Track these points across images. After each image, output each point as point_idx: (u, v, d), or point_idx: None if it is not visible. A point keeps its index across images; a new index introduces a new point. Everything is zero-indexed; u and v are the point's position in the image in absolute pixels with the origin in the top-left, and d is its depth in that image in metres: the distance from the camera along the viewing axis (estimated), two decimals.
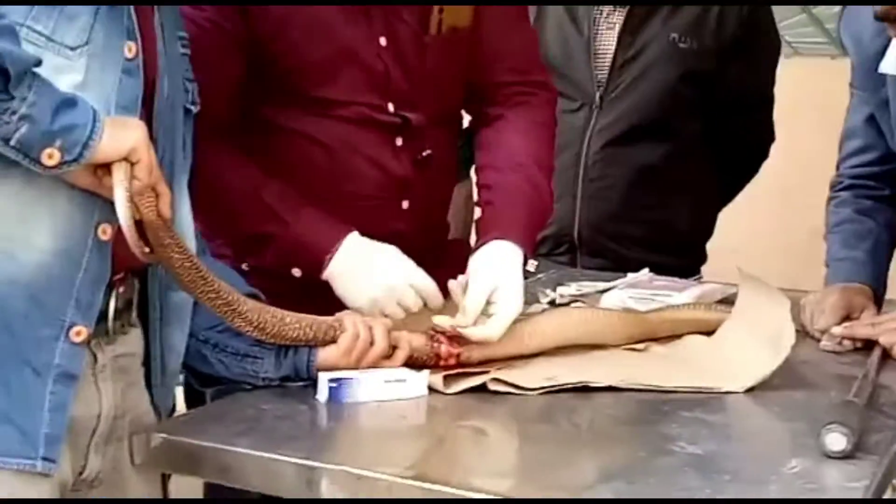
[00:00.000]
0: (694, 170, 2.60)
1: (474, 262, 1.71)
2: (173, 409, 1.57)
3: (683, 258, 2.60)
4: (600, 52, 2.56)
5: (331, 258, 1.70)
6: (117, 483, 1.42)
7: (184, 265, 1.41)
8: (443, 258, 1.86)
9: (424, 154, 1.85)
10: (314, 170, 1.79)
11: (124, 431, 1.42)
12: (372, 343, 1.58)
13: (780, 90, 2.67)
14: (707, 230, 2.70)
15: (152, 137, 1.37)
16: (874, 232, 2.12)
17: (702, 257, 2.70)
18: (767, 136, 2.69)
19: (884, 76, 1.95)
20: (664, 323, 1.83)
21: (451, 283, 1.70)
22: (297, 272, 1.75)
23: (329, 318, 1.59)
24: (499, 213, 1.79)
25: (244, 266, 1.79)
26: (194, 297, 1.47)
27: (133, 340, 1.45)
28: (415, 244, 1.82)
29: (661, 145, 2.54)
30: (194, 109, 1.52)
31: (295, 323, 1.55)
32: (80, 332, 1.33)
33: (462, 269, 1.72)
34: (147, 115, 1.39)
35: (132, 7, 1.36)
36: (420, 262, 1.78)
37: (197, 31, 1.61)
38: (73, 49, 1.29)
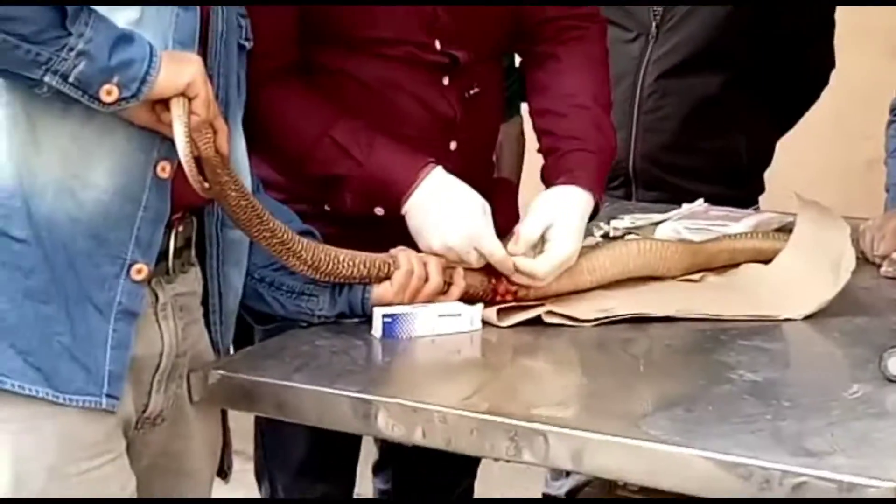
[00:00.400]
0: (751, 100, 2.55)
1: (537, 199, 1.69)
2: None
3: (741, 189, 2.56)
4: None
5: (411, 192, 1.66)
6: (179, 420, 1.44)
7: (240, 203, 1.41)
8: (490, 197, 1.84)
9: (472, 92, 1.81)
10: (362, 111, 1.76)
11: (185, 369, 1.43)
12: (427, 279, 1.58)
13: (838, 13, 2.61)
14: (765, 160, 2.66)
15: (207, 73, 1.36)
16: None
17: (759, 187, 2.66)
18: (828, 62, 2.62)
19: None
20: (721, 252, 1.81)
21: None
22: (379, 211, 1.69)
23: (383, 255, 1.58)
24: (565, 159, 1.75)
25: (326, 208, 1.75)
26: (249, 235, 1.47)
27: (192, 279, 1.45)
28: None
29: (718, 75, 2.49)
30: (248, 45, 1.51)
31: (349, 260, 1.54)
32: (141, 270, 1.33)
33: (509, 208, 1.69)
34: (202, 51, 1.38)
35: None
36: None
37: None
38: None
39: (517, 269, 1.61)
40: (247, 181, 1.49)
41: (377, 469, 2.37)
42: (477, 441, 1.26)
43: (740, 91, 2.52)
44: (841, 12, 2.62)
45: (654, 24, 2.50)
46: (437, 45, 1.77)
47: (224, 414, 1.53)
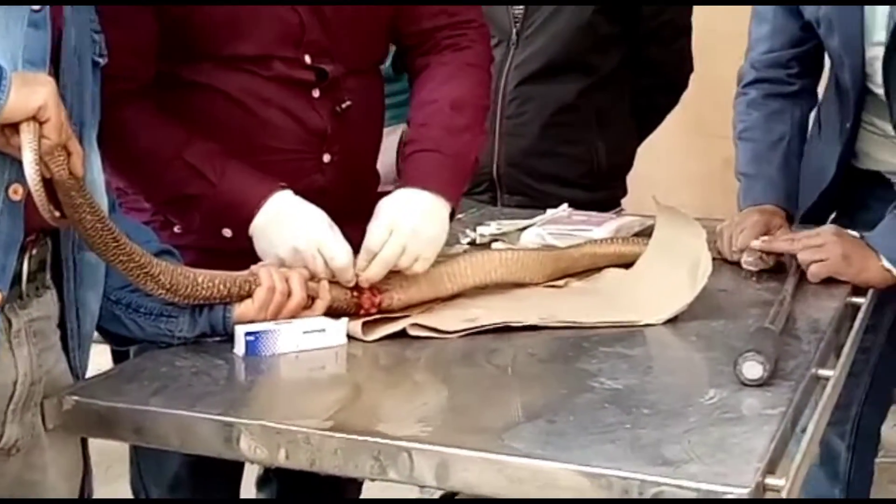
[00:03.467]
0: (611, 104, 2.61)
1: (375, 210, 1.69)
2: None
3: (603, 192, 2.61)
4: None
5: (257, 213, 1.65)
6: (34, 449, 1.39)
7: (95, 227, 1.37)
8: (372, 210, 1.83)
9: (344, 106, 1.80)
10: (230, 125, 1.74)
11: (40, 397, 1.38)
12: (289, 294, 1.56)
13: (694, 18, 2.67)
14: (626, 164, 2.71)
15: (60, 92, 1.32)
16: (786, 138, 2.13)
17: (622, 191, 2.71)
18: (686, 66, 2.70)
19: None
20: (584, 257, 1.83)
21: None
22: (227, 232, 1.69)
23: (244, 273, 1.56)
24: (406, 163, 1.76)
25: (176, 230, 1.75)
26: (105, 259, 1.43)
27: (47, 302, 1.41)
28: (339, 197, 1.79)
29: (578, 81, 2.54)
30: (102, 62, 1.47)
31: (207, 281, 1.51)
32: None
33: None
34: (54, 69, 1.34)
35: None
36: (345, 215, 1.75)
37: None
38: None
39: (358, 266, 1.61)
40: (102, 200, 1.44)
41: (261, 483, 2.35)
42: (341, 461, 1.25)
43: (600, 96, 2.56)
44: (697, 17, 2.68)
45: (514, 31, 2.52)
46: (307, 59, 1.75)
47: (84, 441, 1.48)
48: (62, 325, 1.45)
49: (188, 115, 1.73)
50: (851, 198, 2.17)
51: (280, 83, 1.74)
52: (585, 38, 2.51)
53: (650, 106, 2.70)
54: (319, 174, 1.80)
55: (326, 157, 1.80)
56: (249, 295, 1.54)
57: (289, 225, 1.64)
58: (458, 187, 1.80)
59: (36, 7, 1.29)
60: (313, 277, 1.61)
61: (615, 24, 2.53)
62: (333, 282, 1.62)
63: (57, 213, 1.29)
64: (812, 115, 2.23)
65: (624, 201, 2.68)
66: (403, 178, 1.73)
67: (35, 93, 1.25)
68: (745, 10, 2.29)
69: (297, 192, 1.68)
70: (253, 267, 1.58)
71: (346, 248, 1.63)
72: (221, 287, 1.52)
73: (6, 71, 1.23)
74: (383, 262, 1.62)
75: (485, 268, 1.72)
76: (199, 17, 1.68)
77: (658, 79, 2.66)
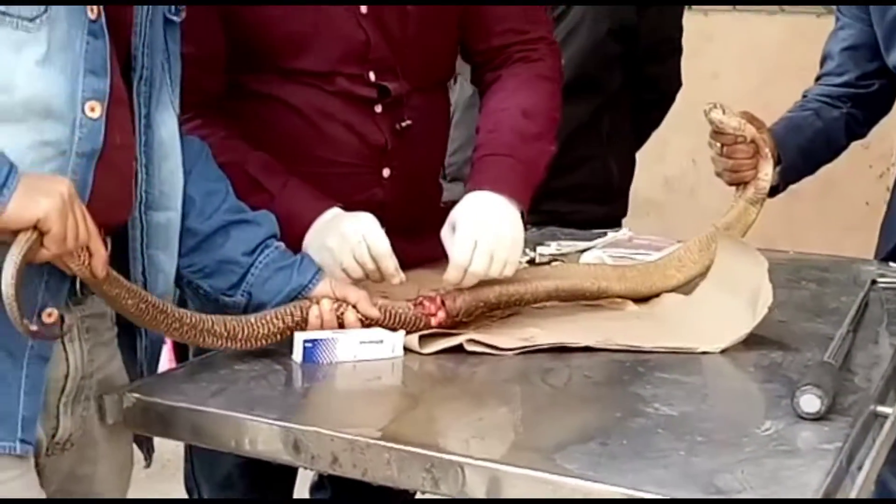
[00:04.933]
0: (618, 121, 2.69)
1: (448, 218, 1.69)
2: None
3: (612, 207, 2.72)
4: None
5: (310, 228, 1.68)
6: (86, 444, 1.41)
7: (139, 307, 1.39)
8: (433, 227, 1.84)
9: (404, 124, 1.81)
10: (292, 136, 1.77)
11: (92, 391, 1.40)
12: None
13: (763, 48, 2.67)
14: (630, 178, 2.80)
15: (132, 54, 1.33)
16: (813, 126, 2.19)
17: (626, 206, 2.79)
18: (676, 83, 2.79)
19: None
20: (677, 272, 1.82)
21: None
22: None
23: (295, 303, 1.56)
24: (475, 168, 1.76)
25: None
26: (158, 332, 1.46)
27: (101, 301, 1.42)
28: (398, 211, 1.80)
29: (591, 100, 2.62)
30: (176, 19, 1.48)
31: (261, 320, 1.53)
32: (52, 315, 1.31)
33: None
34: (125, 32, 1.36)
35: None
36: (404, 229, 1.76)
37: None
38: (31, 20, 1.25)
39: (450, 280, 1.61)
40: (176, 161, 1.47)
41: (315, 489, 2.37)
42: (393, 472, 1.26)
43: (609, 114, 2.65)
44: (764, 45, 2.69)
45: None
46: (372, 76, 1.77)
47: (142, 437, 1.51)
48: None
49: (252, 124, 1.76)
50: None
51: (342, 98, 1.76)
52: (596, 58, 2.59)
53: (644, 122, 2.81)
54: (379, 188, 1.82)
55: (386, 172, 1.82)
56: (304, 322, 1.55)
57: (337, 222, 1.67)
58: (529, 192, 1.78)
59: (92, 17, 1.30)
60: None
61: (620, 43, 2.61)
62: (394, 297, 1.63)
63: (33, 328, 1.25)
64: None
65: (689, 229, 2.67)
66: (473, 181, 1.73)
67: (36, 204, 1.20)
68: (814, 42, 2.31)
69: (356, 206, 1.70)
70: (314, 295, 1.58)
71: (387, 240, 1.64)
72: (276, 321, 1.53)
73: (15, 174, 1.20)
74: (475, 275, 1.62)
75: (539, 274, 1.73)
76: (266, 30, 1.71)
77: (654, 95, 2.76)
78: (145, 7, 1.40)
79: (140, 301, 1.39)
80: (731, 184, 1.98)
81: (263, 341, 1.53)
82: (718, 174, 1.99)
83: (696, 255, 1.82)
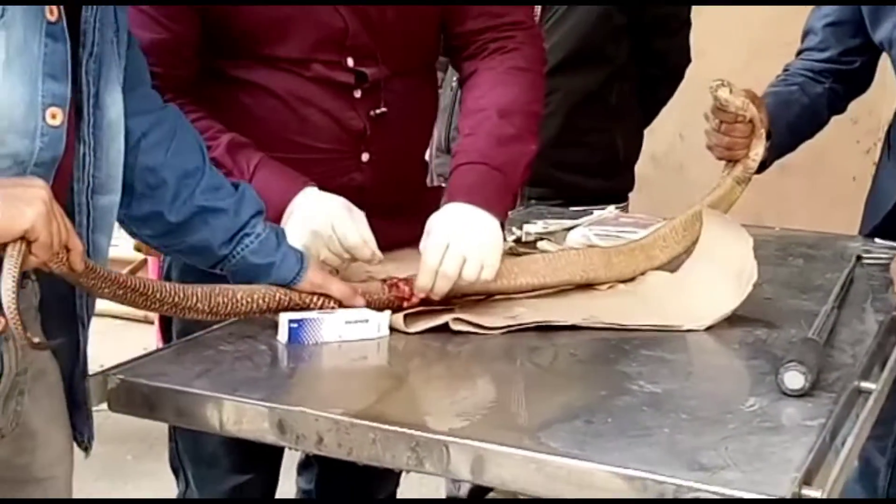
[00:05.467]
0: (626, 94, 2.67)
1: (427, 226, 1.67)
2: None
3: (618, 181, 2.71)
4: None
5: (285, 212, 1.67)
6: (22, 436, 1.36)
7: (117, 293, 1.38)
8: (418, 208, 1.83)
9: (379, 111, 1.79)
10: (271, 121, 1.76)
11: (27, 386, 1.36)
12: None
13: (749, 24, 2.66)
14: (637, 153, 2.79)
15: (81, 29, 1.29)
16: (800, 102, 2.18)
17: (632, 181, 2.78)
18: (686, 58, 2.76)
19: None
20: (661, 252, 1.81)
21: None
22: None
23: (282, 288, 1.56)
24: (451, 177, 1.73)
25: None
26: (143, 309, 1.45)
27: (29, 293, 1.37)
28: (378, 194, 1.80)
29: (598, 71, 2.60)
30: None
31: (247, 297, 1.52)
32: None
33: None
34: (75, 12, 1.31)
35: None
36: (387, 211, 1.76)
37: None
38: None
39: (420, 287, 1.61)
40: (121, 141, 1.43)
41: (302, 468, 2.37)
42: (378, 451, 1.26)
43: (617, 86, 2.64)
44: (747, 27, 2.68)
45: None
46: (350, 62, 1.75)
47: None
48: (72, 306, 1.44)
49: (231, 109, 1.75)
50: None
51: (320, 84, 1.75)
52: (602, 28, 2.57)
53: (652, 97, 2.78)
54: (358, 172, 1.81)
55: (365, 157, 1.81)
56: (288, 308, 1.55)
57: (308, 210, 1.66)
58: (506, 200, 1.76)
59: (52, 19, 1.26)
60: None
61: (627, 15, 2.59)
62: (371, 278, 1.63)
63: (35, 340, 1.25)
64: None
65: (677, 205, 2.68)
66: (449, 192, 1.71)
67: (22, 215, 1.18)
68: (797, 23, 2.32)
69: (335, 189, 1.69)
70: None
71: (359, 229, 1.64)
72: (261, 302, 1.53)
73: None
74: (445, 276, 1.60)
75: (531, 267, 1.70)
76: (243, 18, 1.70)
77: (662, 69, 2.74)
78: None
79: (118, 287, 1.38)
80: (721, 159, 1.98)
81: (244, 316, 1.53)
82: (710, 148, 1.99)
83: (680, 234, 1.82)
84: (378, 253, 1.67)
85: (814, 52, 2.25)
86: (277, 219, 1.65)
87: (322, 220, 1.64)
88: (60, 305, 1.42)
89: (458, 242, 1.61)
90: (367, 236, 1.65)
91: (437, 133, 2.81)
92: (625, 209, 2.65)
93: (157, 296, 1.44)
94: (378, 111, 1.79)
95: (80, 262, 1.29)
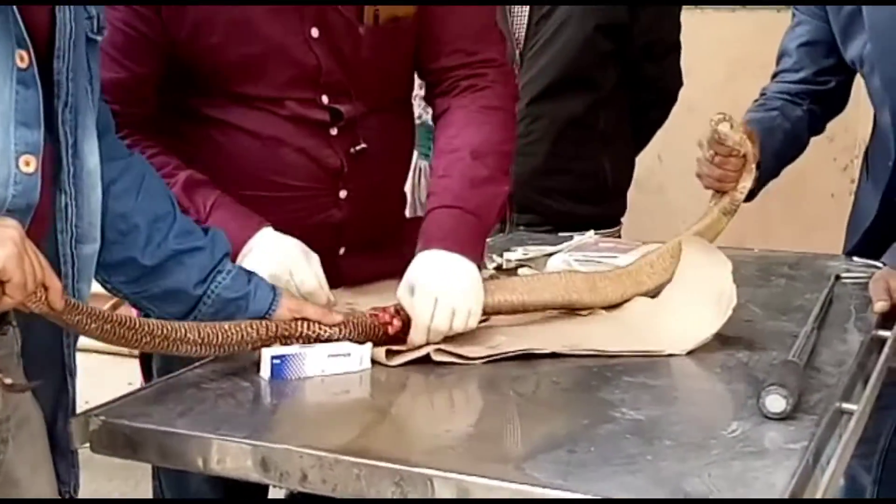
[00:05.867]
0: (614, 120, 2.68)
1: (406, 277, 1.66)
2: None
3: (609, 207, 2.70)
4: (515, 10, 2.61)
5: (241, 252, 1.67)
6: (7, 484, 1.35)
7: (104, 328, 1.37)
8: (397, 240, 1.83)
9: (358, 148, 1.79)
10: (246, 160, 1.75)
11: (10, 433, 1.35)
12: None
13: (728, 44, 2.68)
14: (627, 178, 2.78)
15: (55, 79, 1.29)
16: (783, 128, 2.19)
17: (623, 206, 2.77)
18: (677, 81, 2.77)
19: None
20: (648, 278, 1.81)
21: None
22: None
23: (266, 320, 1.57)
24: (426, 221, 1.72)
25: None
26: (131, 347, 1.45)
27: (10, 339, 1.37)
28: (357, 230, 1.80)
29: (584, 97, 2.61)
30: (98, 38, 1.43)
31: (235, 327, 1.52)
32: None
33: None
34: (47, 52, 1.31)
35: (16, 9, 1.26)
36: (364, 246, 1.76)
37: (110, 30, 1.53)
38: None
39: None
40: (100, 189, 1.43)
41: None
42: (362, 486, 1.26)
43: (603, 112, 2.64)
44: (725, 41, 2.70)
45: (517, 52, 2.56)
46: (325, 99, 1.75)
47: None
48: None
49: (207, 147, 1.75)
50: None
51: (295, 122, 1.75)
52: (587, 54, 2.58)
53: (644, 121, 2.78)
54: (336, 209, 1.81)
55: (343, 193, 1.81)
56: (278, 336, 1.54)
57: (265, 252, 1.66)
58: (480, 244, 1.76)
59: (22, 66, 1.26)
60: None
61: (611, 41, 2.59)
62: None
63: (7, 381, 1.26)
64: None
65: (656, 228, 2.70)
66: (425, 238, 1.69)
67: None
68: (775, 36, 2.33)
69: (313, 227, 1.69)
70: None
71: (316, 273, 1.64)
72: (250, 330, 1.53)
73: None
74: (438, 331, 1.60)
75: (510, 286, 1.71)
76: (214, 58, 1.69)
77: (652, 95, 2.74)
78: (67, 28, 1.34)
79: (104, 322, 1.37)
80: (709, 188, 1.99)
81: (236, 349, 1.52)
82: (699, 176, 2.00)
83: (668, 261, 1.81)
84: (332, 297, 1.67)
85: (789, 74, 2.27)
86: (233, 258, 1.64)
87: (279, 264, 1.64)
88: (46, 355, 1.42)
89: (445, 295, 1.60)
90: (322, 281, 1.66)
91: (432, 153, 2.82)
92: (616, 234, 2.66)
93: (147, 329, 1.43)
94: (357, 148, 1.79)
95: (60, 301, 1.28)
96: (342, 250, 1.77)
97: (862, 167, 2.31)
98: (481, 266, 1.75)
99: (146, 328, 1.43)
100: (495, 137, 1.79)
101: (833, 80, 2.22)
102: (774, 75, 2.31)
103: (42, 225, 1.34)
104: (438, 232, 1.68)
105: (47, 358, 1.42)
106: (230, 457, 1.33)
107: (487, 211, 1.74)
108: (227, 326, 1.51)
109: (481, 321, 1.67)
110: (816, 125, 2.28)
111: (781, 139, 2.19)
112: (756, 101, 2.29)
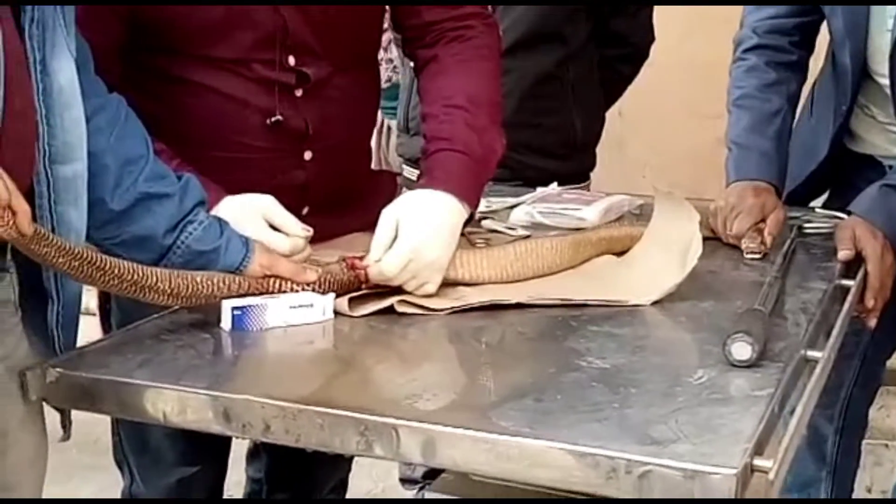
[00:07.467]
0: (585, 76, 2.65)
1: (390, 205, 1.63)
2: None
3: (578, 163, 2.68)
4: None
5: None
6: None
7: (72, 265, 1.34)
8: (362, 196, 1.81)
9: (325, 107, 1.76)
10: (211, 120, 1.71)
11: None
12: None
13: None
14: (598, 134, 2.76)
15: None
16: (781, 113, 2.10)
17: (592, 161, 2.76)
18: (649, 36, 2.74)
19: None
20: (601, 241, 1.78)
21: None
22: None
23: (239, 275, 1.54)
24: (429, 161, 1.71)
25: None
26: (98, 287, 1.41)
27: (5, 288, 1.36)
28: (321, 190, 1.77)
29: (555, 52, 2.57)
30: None
31: (207, 280, 1.49)
32: None
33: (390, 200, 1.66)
34: None
35: None
36: (330, 206, 1.74)
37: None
38: None
39: (370, 278, 1.58)
40: (78, 109, 1.40)
41: (251, 457, 2.34)
42: (326, 436, 1.25)
43: (574, 67, 2.60)
44: None
45: (488, 6, 2.53)
46: (291, 60, 1.72)
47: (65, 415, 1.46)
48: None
49: (173, 107, 1.71)
50: (841, 179, 2.17)
51: (261, 84, 1.71)
52: (557, 9, 2.55)
53: (614, 77, 2.75)
54: (300, 170, 1.78)
55: (308, 155, 1.78)
56: (249, 293, 1.52)
57: (231, 207, 1.62)
58: (480, 192, 1.75)
59: None
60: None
61: None
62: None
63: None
64: (805, 92, 2.22)
65: (617, 182, 2.69)
66: (429, 176, 1.67)
67: None
68: None
69: (276, 188, 1.66)
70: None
71: (282, 237, 1.60)
72: (221, 284, 1.50)
73: None
74: (390, 282, 1.58)
75: (500, 262, 1.67)
76: (178, 22, 1.65)
77: (623, 49, 2.71)
78: None
79: (72, 258, 1.33)
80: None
81: (204, 301, 1.49)
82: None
83: (627, 241, 1.79)
84: (309, 231, 1.63)
85: (775, 7, 2.15)
86: None
87: (250, 209, 1.61)
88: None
89: (419, 259, 1.58)
90: (291, 232, 1.62)
91: (399, 112, 2.79)
92: (587, 189, 2.64)
93: (116, 272, 1.39)
94: (325, 107, 1.76)
95: (28, 226, 1.25)
96: (305, 210, 1.74)
97: (807, 103, 2.25)
98: (474, 216, 1.74)
99: (116, 270, 1.39)
100: (489, 87, 1.79)
101: (815, 13, 2.12)
102: (752, 11, 2.19)
103: (26, 147, 1.31)
104: (441, 171, 1.67)
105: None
106: (191, 408, 1.31)
107: (487, 160, 1.74)
108: (198, 279, 1.48)
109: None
110: (804, 77, 2.20)
111: (787, 141, 2.10)
112: (741, 55, 2.18)
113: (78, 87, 1.40)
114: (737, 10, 2.29)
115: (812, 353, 1.43)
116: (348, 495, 2.33)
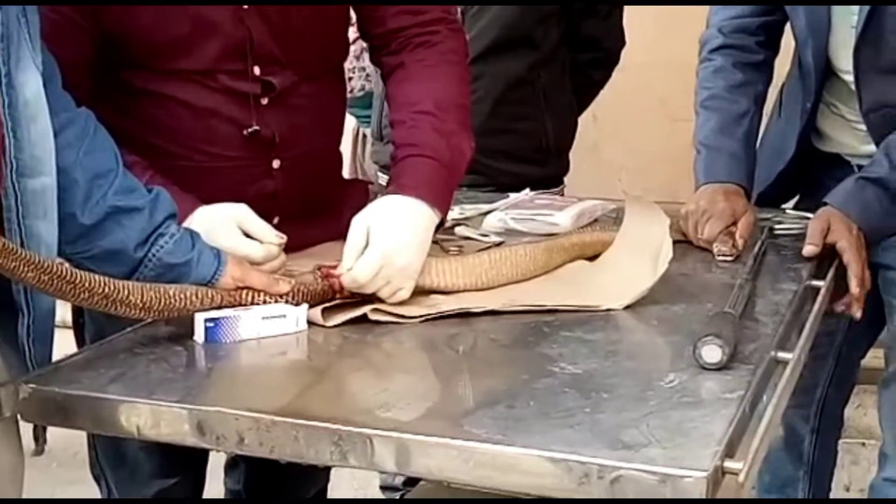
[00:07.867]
0: (557, 81, 2.65)
1: (360, 212, 1.63)
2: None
3: (551, 168, 2.68)
4: None
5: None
6: None
7: (41, 279, 1.33)
8: (334, 204, 1.81)
9: (292, 115, 1.76)
10: (179, 131, 1.71)
11: None
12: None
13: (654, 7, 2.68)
14: (570, 139, 2.76)
15: None
16: (749, 114, 2.11)
17: (565, 166, 2.76)
18: (620, 41, 2.74)
19: None
20: (573, 247, 1.78)
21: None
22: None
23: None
24: (398, 167, 1.71)
25: None
26: (69, 301, 1.40)
27: None
28: (291, 199, 1.78)
29: (526, 57, 2.57)
30: None
31: (179, 293, 1.49)
32: None
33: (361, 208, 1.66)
34: None
35: None
36: (300, 215, 1.74)
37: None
38: None
39: (344, 286, 1.58)
40: (45, 122, 1.40)
41: (229, 468, 2.34)
42: (301, 448, 1.25)
43: (546, 72, 2.60)
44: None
45: (458, 11, 2.53)
46: (257, 70, 1.72)
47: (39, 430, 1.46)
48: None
49: (138, 119, 1.71)
50: (810, 180, 2.18)
51: (226, 94, 1.71)
52: (528, 13, 2.54)
53: (586, 81, 2.75)
54: (269, 179, 1.78)
55: (276, 163, 1.78)
56: (222, 306, 1.52)
57: (205, 216, 1.63)
58: (450, 198, 1.75)
59: None
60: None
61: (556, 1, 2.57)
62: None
63: None
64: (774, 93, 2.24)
65: (592, 186, 2.70)
66: (398, 182, 1.67)
67: None
68: None
69: (246, 198, 1.66)
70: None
71: (256, 245, 1.61)
72: (193, 298, 1.50)
73: None
74: (363, 289, 1.58)
75: (475, 270, 1.67)
76: (142, 36, 1.65)
77: (595, 53, 2.72)
78: None
79: (42, 272, 1.32)
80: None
81: (177, 314, 1.49)
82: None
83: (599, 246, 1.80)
84: (283, 238, 1.63)
85: (739, 7, 2.16)
86: None
87: (224, 217, 1.61)
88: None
89: (390, 264, 1.57)
90: (265, 239, 1.62)
91: (372, 120, 2.79)
92: (560, 195, 2.64)
93: (86, 285, 1.38)
94: (292, 115, 1.76)
95: None
96: (276, 220, 1.74)
97: (776, 104, 2.26)
98: (445, 221, 1.75)
99: (86, 284, 1.38)
100: (456, 91, 1.80)
101: (779, 12, 2.13)
102: (717, 11, 2.20)
103: None
104: (411, 180, 1.67)
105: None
106: (164, 421, 1.30)
107: (457, 165, 1.75)
108: (171, 292, 1.48)
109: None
110: (770, 77, 2.20)
111: (755, 142, 2.12)
112: (711, 63, 2.17)
113: (45, 101, 1.41)
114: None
115: (782, 355, 1.44)
116: None
